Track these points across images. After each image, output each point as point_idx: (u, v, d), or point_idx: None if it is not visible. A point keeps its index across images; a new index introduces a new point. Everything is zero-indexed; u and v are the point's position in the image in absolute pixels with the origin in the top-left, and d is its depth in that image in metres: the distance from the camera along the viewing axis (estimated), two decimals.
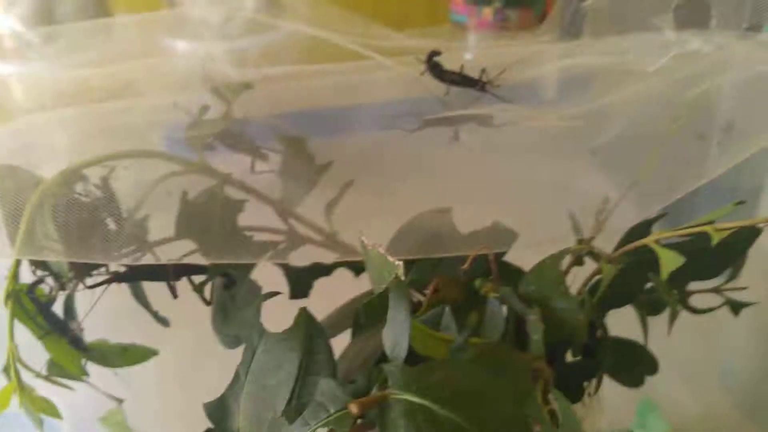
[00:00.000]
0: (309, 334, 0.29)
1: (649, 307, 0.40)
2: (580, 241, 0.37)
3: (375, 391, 0.23)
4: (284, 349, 0.26)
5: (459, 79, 0.39)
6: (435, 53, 0.39)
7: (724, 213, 0.32)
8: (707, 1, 0.35)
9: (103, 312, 0.40)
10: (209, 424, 0.30)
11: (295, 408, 0.24)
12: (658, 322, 0.41)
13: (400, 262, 0.23)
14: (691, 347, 0.55)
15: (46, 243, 0.33)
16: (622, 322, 0.39)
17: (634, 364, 0.40)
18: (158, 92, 0.42)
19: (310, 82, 0.41)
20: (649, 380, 0.45)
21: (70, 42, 0.53)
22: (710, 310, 0.41)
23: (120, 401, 0.38)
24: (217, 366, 0.33)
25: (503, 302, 0.32)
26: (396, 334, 0.23)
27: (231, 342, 0.40)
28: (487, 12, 0.71)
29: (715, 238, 0.29)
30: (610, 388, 0.42)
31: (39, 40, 0.65)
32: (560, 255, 0.34)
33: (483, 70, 0.39)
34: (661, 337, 0.41)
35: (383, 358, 0.33)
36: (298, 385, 0.26)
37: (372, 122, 0.40)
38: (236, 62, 0.46)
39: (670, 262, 0.31)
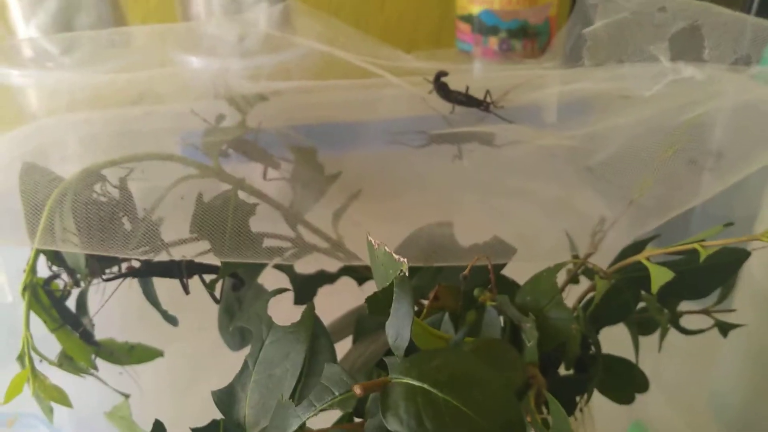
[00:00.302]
0: (314, 330, 0.30)
1: (640, 327, 0.42)
2: (575, 258, 0.38)
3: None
4: (291, 341, 0.28)
5: (464, 99, 0.40)
6: (442, 74, 0.41)
7: (713, 233, 0.33)
8: (701, 34, 0.37)
9: (113, 312, 0.42)
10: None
11: (300, 394, 0.26)
12: (649, 346, 0.42)
13: (405, 260, 0.25)
14: (681, 370, 0.56)
15: (65, 236, 0.34)
16: (614, 342, 0.41)
17: (625, 382, 0.41)
18: (175, 100, 0.44)
19: (321, 96, 0.43)
20: (639, 402, 0.46)
21: (87, 52, 0.55)
22: (700, 331, 0.42)
23: (126, 396, 0.39)
24: (219, 369, 0.34)
25: (500, 311, 0.34)
26: (399, 326, 0.24)
27: (236, 343, 0.42)
28: (493, 41, 0.73)
29: (703, 255, 0.31)
30: (601, 410, 0.43)
31: (57, 50, 0.67)
32: (556, 268, 0.35)
33: (487, 92, 0.40)
34: (652, 359, 0.42)
35: (381, 363, 0.35)
36: (303, 375, 0.28)
37: (379, 138, 0.42)
38: (251, 78, 0.48)
39: (660, 276, 0.32)
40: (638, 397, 0.42)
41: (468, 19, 0.75)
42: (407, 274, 0.25)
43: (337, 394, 0.23)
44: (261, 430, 0.27)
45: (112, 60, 0.50)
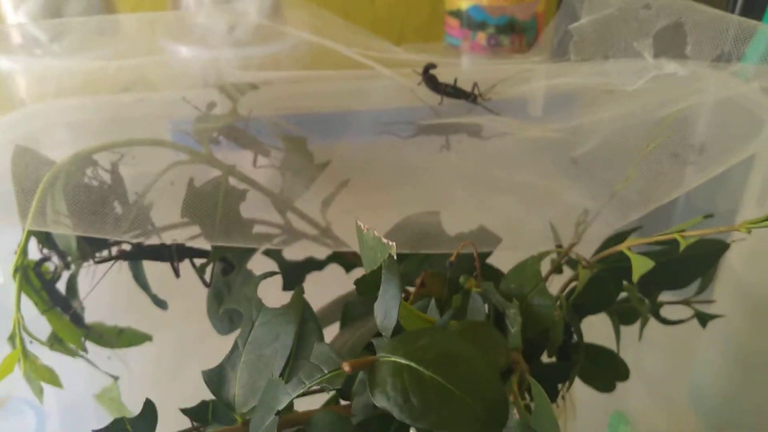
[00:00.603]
0: (303, 314, 0.31)
1: (622, 316, 0.43)
2: (559, 248, 0.39)
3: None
4: (281, 323, 0.28)
5: (452, 91, 0.41)
6: (431, 66, 0.42)
7: (692, 224, 0.34)
8: (684, 31, 0.38)
9: (103, 295, 0.42)
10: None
11: (289, 374, 0.26)
12: (631, 338, 0.43)
13: (393, 243, 0.25)
14: (661, 362, 0.57)
15: (57, 218, 0.34)
16: (596, 332, 0.42)
17: (606, 370, 0.42)
18: (166, 88, 0.44)
19: (311, 86, 0.43)
20: (620, 393, 0.47)
21: (75, 40, 0.55)
22: (680, 321, 0.43)
23: (115, 378, 0.40)
24: (206, 353, 0.35)
25: (485, 297, 0.34)
26: (387, 307, 0.25)
27: (224, 328, 0.42)
28: (481, 36, 0.74)
29: (683, 245, 0.32)
30: (582, 400, 0.44)
31: (46, 37, 0.67)
32: (540, 256, 0.36)
33: (475, 84, 0.41)
34: (633, 351, 0.43)
35: (368, 347, 0.35)
36: (292, 357, 0.28)
37: (368, 128, 0.43)
38: (241, 68, 0.48)
39: (640, 266, 0.33)
40: (619, 387, 0.43)
41: (457, 14, 0.76)
42: (395, 257, 0.25)
43: (326, 372, 0.24)
44: (250, 409, 0.28)
45: (101, 48, 0.50)
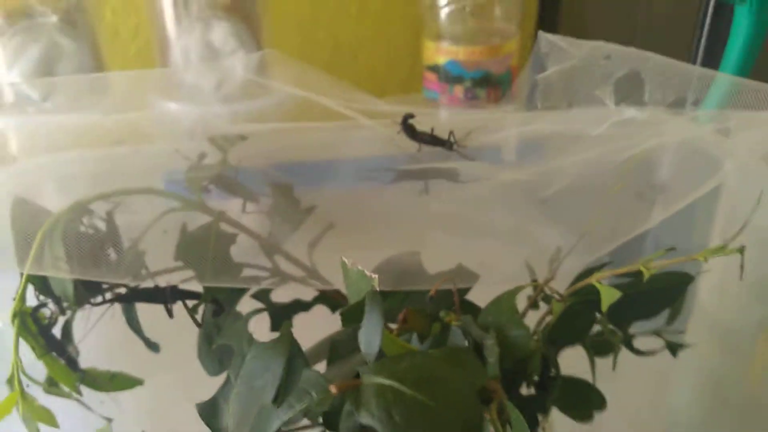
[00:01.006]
0: (290, 351, 0.32)
1: (596, 348, 0.45)
2: (534, 283, 0.41)
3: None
4: (271, 355, 0.30)
5: (430, 139, 0.44)
6: (409, 116, 0.44)
7: (656, 257, 0.37)
8: (641, 78, 0.41)
9: (96, 341, 0.43)
10: None
11: (279, 401, 0.28)
12: (609, 373, 0.45)
13: (375, 275, 0.28)
14: (640, 396, 0.59)
15: (56, 264, 0.36)
16: (573, 366, 0.43)
17: (583, 400, 0.44)
18: (158, 141, 0.46)
19: (297, 137, 0.46)
20: (599, 426, 0.48)
21: (67, 97, 0.57)
22: (651, 353, 0.45)
23: (109, 420, 0.41)
24: (197, 395, 0.36)
25: (464, 330, 0.36)
26: (370, 333, 0.27)
27: (214, 368, 0.43)
28: (458, 90, 0.78)
29: (646, 275, 0.34)
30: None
31: (38, 95, 0.69)
32: (516, 290, 0.38)
33: (451, 132, 0.44)
34: (611, 385, 0.45)
35: (356, 377, 0.37)
36: (282, 387, 0.30)
37: (352, 175, 0.45)
38: (229, 122, 0.50)
39: (608, 296, 0.35)
40: (598, 418, 0.44)
41: (435, 68, 0.80)
42: (377, 289, 0.27)
43: (314, 395, 0.26)
44: None
45: (93, 105, 0.53)
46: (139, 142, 0.47)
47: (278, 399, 0.28)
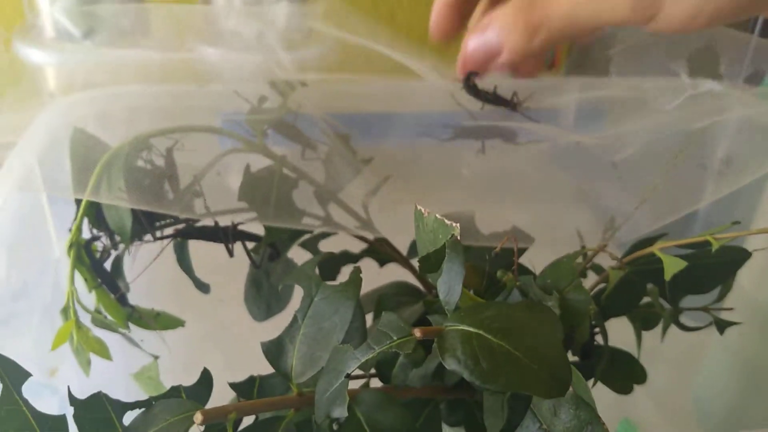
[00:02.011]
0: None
1: (643, 321, 0.45)
2: (591, 248, 0.41)
3: None
4: (341, 298, 0.30)
5: (493, 98, 0.43)
6: (473, 73, 0.44)
7: (720, 230, 0.36)
8: (716, 52, 0.40)
9: (141, 281, 0.43)
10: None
11: (357, 342, 0.28)
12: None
13: (457, 224, 0.27)
14: (667, 376, 0.59)
15: (115, 194, 0.36)
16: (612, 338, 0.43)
17: (625, 373, 0.44)
18: (214, 82, 0.46)
19: (356, 87, 0.45)
20: (627, 404, 0.48)
21: (107, 37, 0.57)
22: (699, 328, 0.45)
23: (156, 357, 0.41)
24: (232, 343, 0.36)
25: (523, 292, 0.36)
26: (451, 281, 0.26)
27: (261, 314, 0.43)
28: None
29: (715, 246, 0.34)
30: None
31: (79, 32, 0.68)
32: (575, 254, 0.38)
33: (515, 93, 0.43)
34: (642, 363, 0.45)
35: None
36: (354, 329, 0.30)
37: (409, 129, 0.44)
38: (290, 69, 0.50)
39: (672, 266, 0.35)
40: (626, 397, 0.44)
41: None
42: (459, 237, 0.27)
43: (395, 338, 0.26)
44: (307, 379, 0.29)
45: (132, 46, 0.52)
46: (193, 82, 0.46)
47: (354, 341, 0.28)
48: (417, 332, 0.25)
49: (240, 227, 0.38)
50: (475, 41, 0.30)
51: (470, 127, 0.44)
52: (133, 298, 0.44)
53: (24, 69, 0.63)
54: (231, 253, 0.39)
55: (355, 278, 0.31)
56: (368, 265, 0.46)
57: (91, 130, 0.41)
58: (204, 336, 0.53)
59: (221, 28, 0.68)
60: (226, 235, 0.38)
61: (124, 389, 0.44)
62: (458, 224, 0.27)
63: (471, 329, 0.24)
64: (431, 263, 0.28)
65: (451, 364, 0.24)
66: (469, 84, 0.43)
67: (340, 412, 0.25)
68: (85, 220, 0.40)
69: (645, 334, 0.45)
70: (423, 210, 0.30)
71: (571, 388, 0.27)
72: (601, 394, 0.44)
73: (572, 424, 0.26)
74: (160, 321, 0.44)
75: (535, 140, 0.43)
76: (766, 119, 0.41)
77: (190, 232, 0.39)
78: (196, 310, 0.47)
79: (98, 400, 0.28)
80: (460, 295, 0.26)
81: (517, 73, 0.36)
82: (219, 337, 0.54)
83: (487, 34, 0.29)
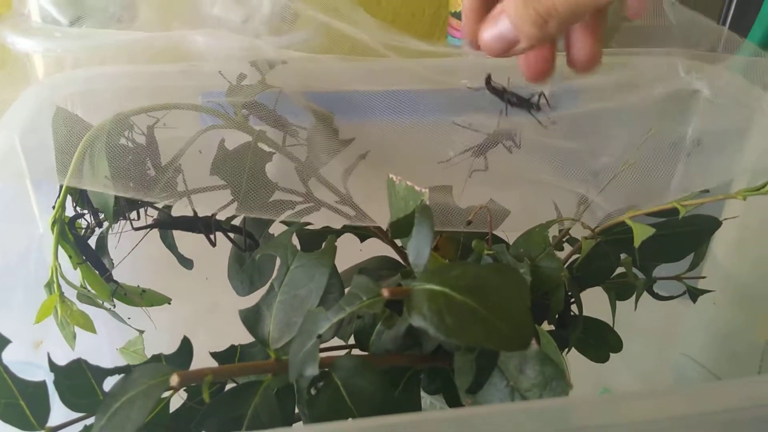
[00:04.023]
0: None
1: (618, 291, 0.46)
2: (566, 218, 0.42)
3: None
4: (316, 265, 0.31)
5: (516, 100, 0.43)
6: (490, 76, 0.44)
7: (689, 198, 0.37)
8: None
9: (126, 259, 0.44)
10: None
11: (329, 304, 0.29)
12: (618, 322, 0.45)
13: (426, 189, 0.28)
14: (646, 346, 0.60)
15: (96, 176, 0.37)
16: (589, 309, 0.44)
17: (601, 342, 0.45)
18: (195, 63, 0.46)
19: (335, 64, 0.46)
20: (607, 374, 0.49)
21: (93, 24, 0.57)
22: (672, 297, 0.46)
23: (141, 332, 0.42)
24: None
25: (495, 259, 0.37)
26: (420, 245, 0.27)
27: (244, 289, 0.44)
28: None
29: (682, 212, 0.34)
30: (572, 378, 0.47)
31: (66, 20, 0.69)
32: (548, 224, 0.39)
33: (541, 93, 0.43)
34: (621, 334, 0.46)
35: None
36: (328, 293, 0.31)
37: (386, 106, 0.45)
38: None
39: (641, 233, 0.36)
40: (606, 366, 0.45)
41: (459, 15, 0.79)
42: (427, 202, 0.28)
43: (364, 299, 0.26)
44: (284, 344, 0.30)
45: (118, 35, 0.52)
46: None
47: (326, 303, 0.29)
48: (385, 292, 0.26)
49: (219, 216, 0.39)
50: (491, 32, 0.31)
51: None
52: (118, 276, 0.45)
53: (11, 56, 0.64)
54: (213, 243, 0.40)
55: (330, 246, 0.32)
56: (352, 242, 0.47)
57: (72, 109, 0.42)
58: (191, 314, 0.54)
59: (208, 13, 0.69)
60: (207, 226, 0.39)
61: (110, 365, 0.45)
62: (427, 190, 0.28)
63: (437, 288, 0.25)
64: (402, 228, 0.29)
65: (417, 321, 0.24)
66: (491, 86, 0.43)
67: (312, 370, 0.26)
68: (69, 198, 0.41)
69: (623, 306, 0.46)
70: (395, 178, 0.31)
71: (536, 346, 0.28)
72: (581, 367, 0.45)
73: (537, 380, 0.27)
74: (146, 298, 0.45)
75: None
76: (733, 90, 0.42)
77: (168, 222, 0.40)
78: (183, 288, 0.48)
79: (78, 366, 0.29)
80: (428, 257, 0.27)
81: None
82: (205, 315, 0.55)
83: (500, 26, 0.30)
